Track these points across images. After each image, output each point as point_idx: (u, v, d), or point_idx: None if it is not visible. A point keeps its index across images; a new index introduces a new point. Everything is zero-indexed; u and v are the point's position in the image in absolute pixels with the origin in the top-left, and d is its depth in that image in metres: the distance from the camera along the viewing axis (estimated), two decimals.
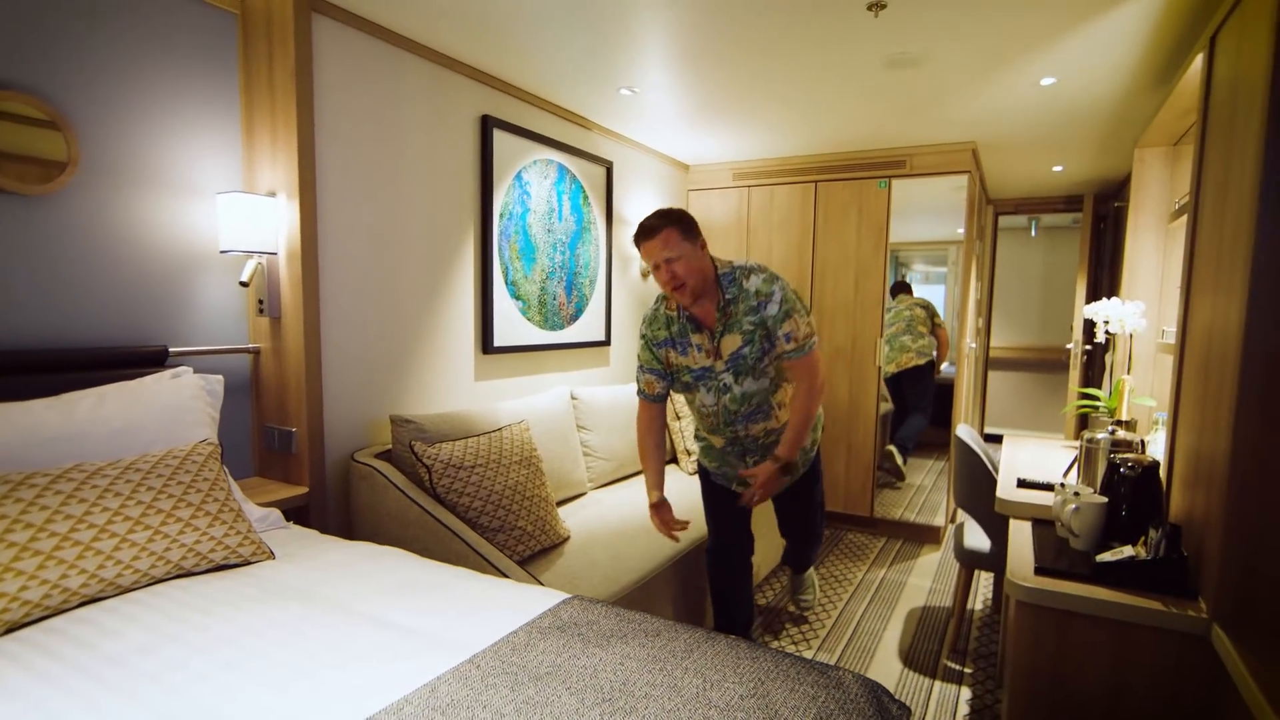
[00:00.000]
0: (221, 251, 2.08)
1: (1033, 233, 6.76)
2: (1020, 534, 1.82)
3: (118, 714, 0.97)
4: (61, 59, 1.79)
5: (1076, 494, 1.64)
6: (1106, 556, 1.51)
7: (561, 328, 3.34)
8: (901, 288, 4.67)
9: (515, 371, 3.09)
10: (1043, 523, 1.88)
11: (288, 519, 2.19)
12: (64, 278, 1.82)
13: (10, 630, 1.17)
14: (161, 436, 1.63)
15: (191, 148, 2.08)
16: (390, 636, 1.19)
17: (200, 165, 2.11)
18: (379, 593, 1.36)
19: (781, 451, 2.09)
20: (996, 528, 2.52)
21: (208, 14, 2.11)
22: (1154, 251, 2.92)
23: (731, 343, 2.04)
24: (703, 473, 2.40)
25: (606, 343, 3.68)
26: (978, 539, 2.61)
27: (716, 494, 2.36)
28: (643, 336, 2.19)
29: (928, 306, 4.52)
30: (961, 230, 4.02)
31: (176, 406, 1.71)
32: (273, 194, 2.16)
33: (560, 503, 2.83)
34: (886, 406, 4.80)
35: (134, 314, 1.97)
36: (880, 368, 3.99)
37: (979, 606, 3.12)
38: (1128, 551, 1.50)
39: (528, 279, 3.10)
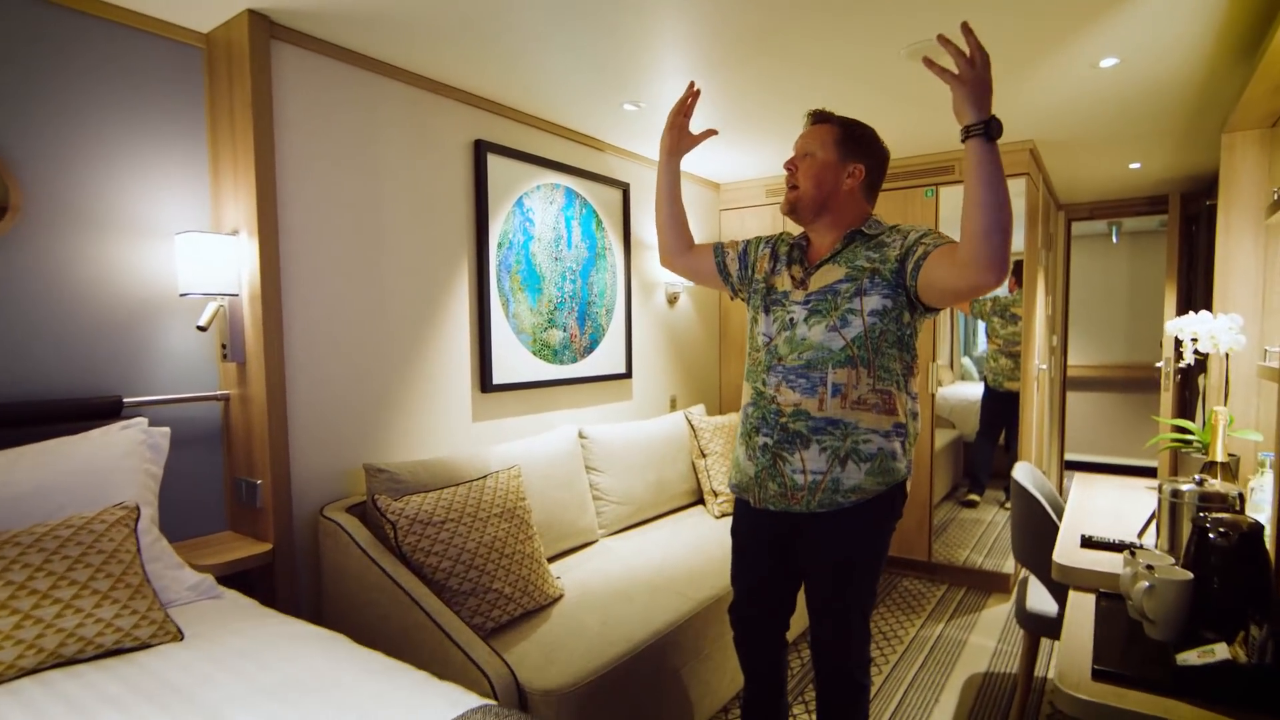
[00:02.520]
0: (181, 294, 1.96)
1: (1114, 239, 6.15)
2: (1080, 611, 1.46)
3: None
4: (2, 102, 1.71)
5: (1150, 568, 1.28)
6: (1191, 656, 1.15)
7: (574, 361, 3.13)
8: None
9: (520, 410, 2.88)
10: (1111, 596, 1.51)
11: (252, 579, 2.04)
12: (8, 328, 1.72)
13: None
14: (75, 500, 1.49)
15: (154, 187, 1.98)
16: None
17: (164, 205, 2.00)
18: (258, 694, 1.14)
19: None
20: (1061, 588, 2.12)
21: (172, 49, 2.02)
22: (1251, 254, 2.48)
23: (829, 275, 1.58)
24: (736, 508, 1.78)
25: (628, 375, 3.44)
26: (1042, 600, 2.22)
27: (748, 529, 1.73)
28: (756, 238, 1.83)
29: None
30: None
31: (101, 466, 1.57)
32: (235, 232, 2.03)
33: (564, 554, 2.59)
34: (954, 433, 4.36)
35: (87, 364, 1.86)
36: (934, 395, 3.59)
37: (1051, 674, 2.68)
38: (1221, 651, 1.14)
39: (533, 311, 2.90)
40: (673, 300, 3.82)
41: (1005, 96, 2.65)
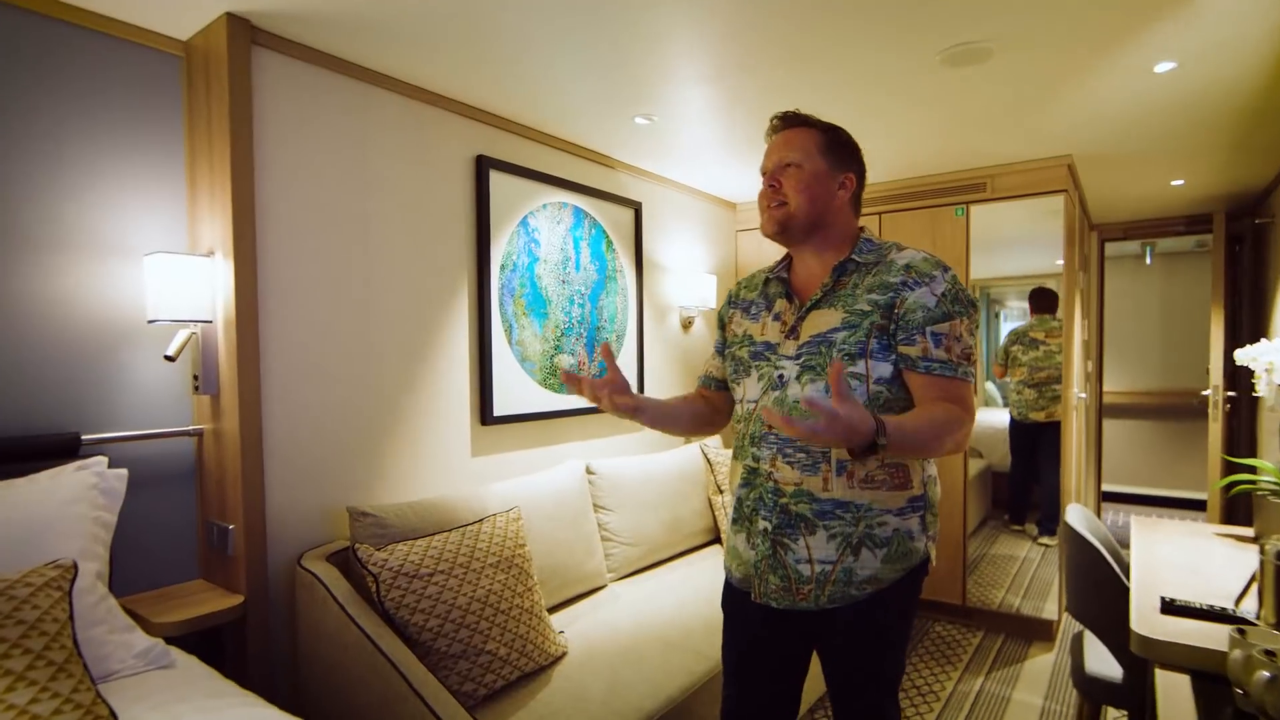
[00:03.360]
0: (149, 321, 1.79)
1: (1147, 260, 5.91)
2: (1174, 693, 1.23)
3: None
4: None
5: (1271, 654, 1.05)
6: None
7: None
8: (1048, 300, 3.57)
9: (524, 443, 2.68)
10: (1208, 676, 1.27)
11: (222, 636, 1.84)
12: None
13: None
14: (11, 557, 1.29)
15: (123, 205, 1.82)
16: None
17: (136, 224, 1.84)
18: None
19: (878, 425, 1.11)
20: (1130, 653, 1.87)
21: (148, 58, 1.87)
22: None
23: (823, 321, 1.33)
24: (725, 590, 1.53)
25: None
26: (1104, 663, 1.97)
27: (737, 616, 1.49)
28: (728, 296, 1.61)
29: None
30: (1059, 261, 3.38)
31: (38, 515, 1.38)
32: (210, 253, 1.87)
33: (569, 601, 2.37)
34: (983, 463, 4.10)
35: (41, 397, 1.69)
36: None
37: None
38: None
39: (538, 337, 2.71)
40: (687, 325, 3.63)
41: (1046, 108, 2.46)
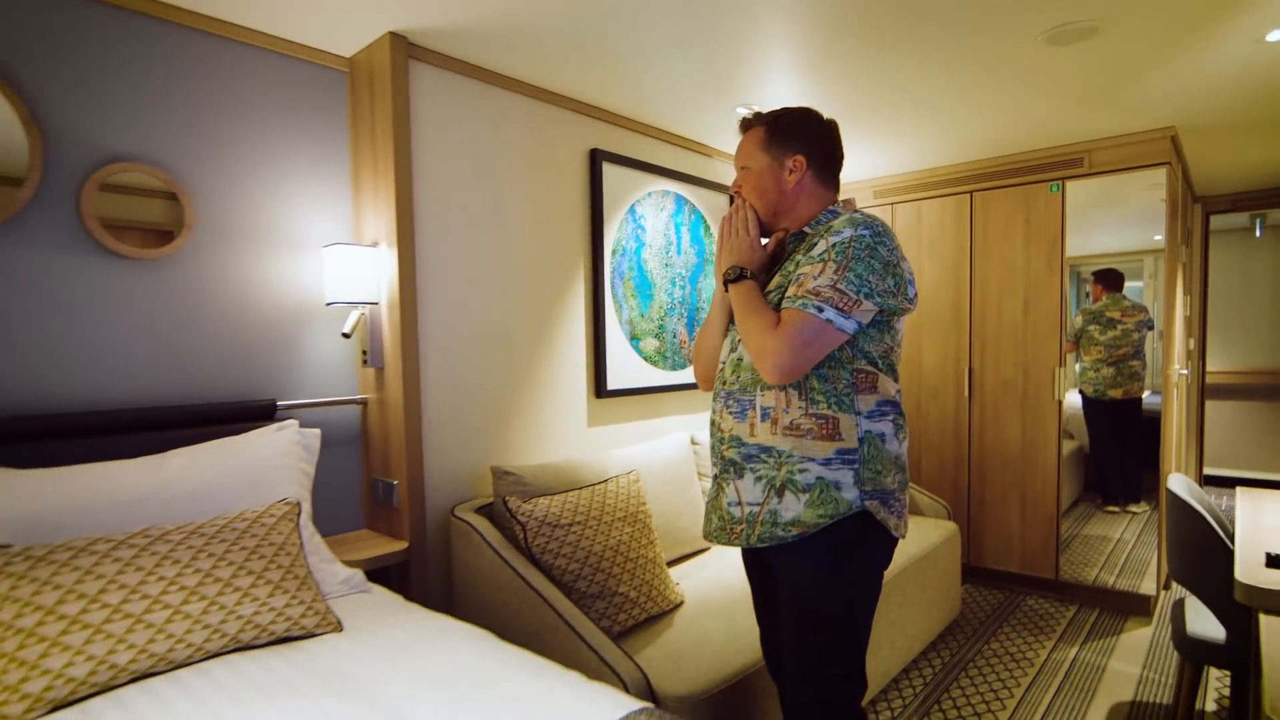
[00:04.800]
0: (327, 303, 2.08)
1: (1257, 232, 5.63)
2: (1278, 639, 1.32)
3: None
4: (179, 129, 1.87)
5: None
6: None
7: (683, 367, 3.12)
8: (1112, 281, 3.66)
9: (632, 416, 2.90)
10: None
11: (389, 575, 2.13)
12: (179, 336, 1.87)
13: (55, 709, 1.12)
14: (244, 496, 1.59)
15: (302, 203, 2.11)
16: None
17: (311, 220, 2.14)
18: (429, 687, 1.18)
19: (749, 273, 1.41)
20: (1236, 612, 1.93)
21: (319, 74, 2.15)
22: None
23: (770, 286, 1.44)
24: None
25: None
26: (1206, 624, 2.03)
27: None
28: None
29: (1150, 321, 3.57)
30: (1158, 237, 3.34)
31: (265, 464, 1.67)
32: (375, 244, 2.14)
33: (676, 560, 2.57)
34: (1074, 444, 4.09)
35: (245, 369, 2.00)
36: (1060, 401, 3.38)
37: (1211, 707, 2.45)
38: None
39: (644, 317, 2.92)
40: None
41: (1150, 81, 2.47)
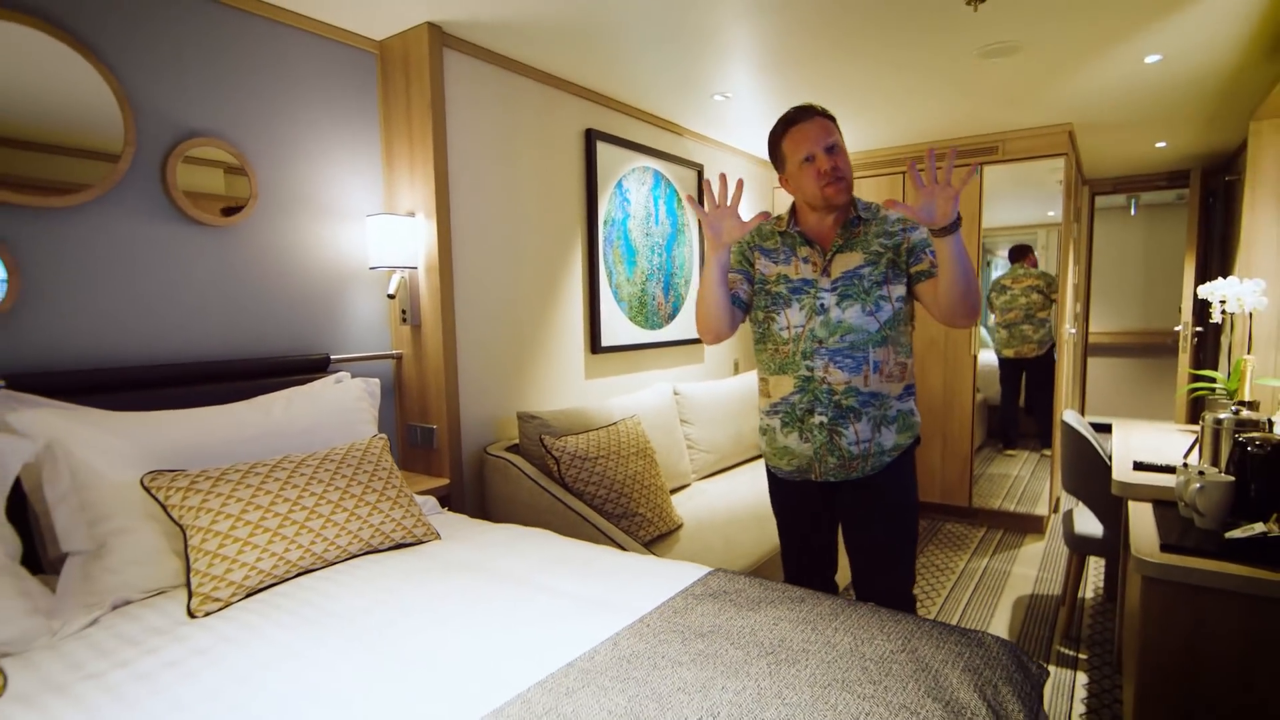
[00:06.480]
0: (371, 268, 2.32)
1: (1132, 211, 6.48)
2: (1141, 516, 1.84)
3: (358, 659, 1.17)
4: (243, 107, 2.06)
5: (1201, 473, 1.66)
6: (1236, 534, 1.53)
7: (660, 327, 3.49)
8: (1021, 252, 4.28)
9: (620, 370, 3.26)
10: (1163, 504, 1.89)
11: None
12: (247, 297, 2.09)
13: (250, 594, 1.40)
14: (337, 434, 1.86)
15: (341, 176, 2.33)
16: (563, 602, 1.35)
17: (349, 191, 2.35)
18: (540, 566, 1.53)
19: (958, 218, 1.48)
20: (1110, 513, 2.51)
21: (350, 55, 2.35)
22: (1274, 225, 2.83)
23: (848, 261, 1.67)
24: (771, 480, 1.89)
25: (700, 341, 3.80)
26: (1089, 524, 2.61)
27: (788, 499, 1.85)
28: (737, 243, 1.81)
29: (1049, 286, 4.10)
30: (1052, 213, 3.94)
31: (346, 407, 1.94)
32: (412, 214, 2.38)
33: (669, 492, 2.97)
34: (979, 396, 4.74)
35: (301, 326, 2.23)
36: (975, 356, 3.96)
37: (1089, 595, 3.09)
38: (1259, 528, 1.52)
39: (629, 281, 3.26)
40: None
41: (1057, 88, 2.99)
